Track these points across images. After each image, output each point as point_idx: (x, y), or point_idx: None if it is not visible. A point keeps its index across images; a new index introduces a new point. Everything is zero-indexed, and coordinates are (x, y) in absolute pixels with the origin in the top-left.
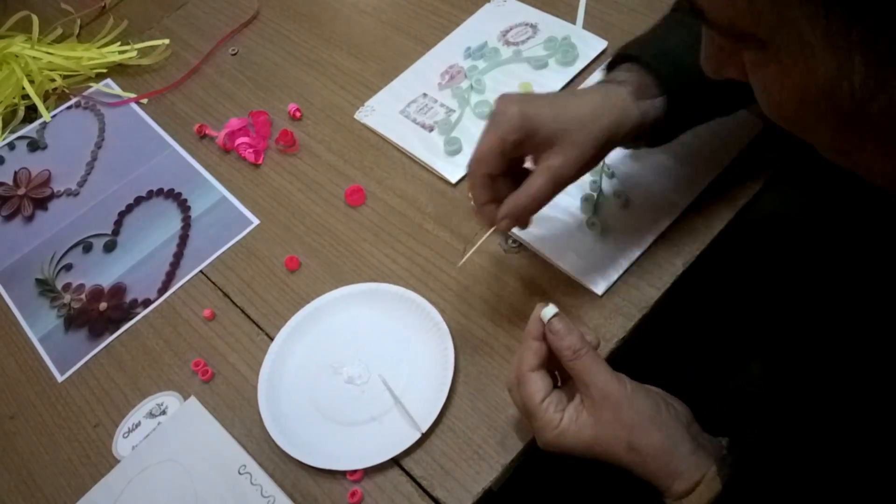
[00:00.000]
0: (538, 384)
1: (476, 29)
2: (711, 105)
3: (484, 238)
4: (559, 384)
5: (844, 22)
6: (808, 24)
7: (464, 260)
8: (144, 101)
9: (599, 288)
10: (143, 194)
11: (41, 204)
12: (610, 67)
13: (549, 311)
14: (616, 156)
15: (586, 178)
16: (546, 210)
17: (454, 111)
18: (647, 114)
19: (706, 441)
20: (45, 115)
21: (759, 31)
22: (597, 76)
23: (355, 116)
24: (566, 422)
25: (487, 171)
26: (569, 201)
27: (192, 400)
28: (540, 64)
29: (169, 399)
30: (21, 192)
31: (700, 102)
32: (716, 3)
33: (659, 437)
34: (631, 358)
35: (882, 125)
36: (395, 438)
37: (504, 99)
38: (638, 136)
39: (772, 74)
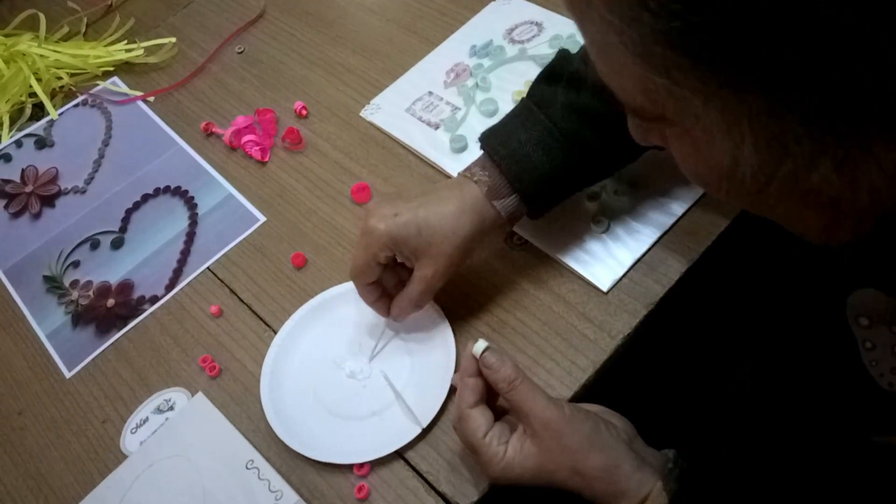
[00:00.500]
0: (478, 420)
1: (481, 27)
2: (570, 188)
3: (388, 339)
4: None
5: (734, 102)
6: (703, 109)
7: (374, 355)
8: (151, 99)
9: (604, 284)
10: (150, 192)
11: (49, 201)
12: (482, 144)
13: (480, 345)
14: None
15: None
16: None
17: (460, 109)
18: (506, 209)
19: (650, 456)
20: (53, 113)
21: (665, 113)
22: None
23: (361, 114)
24: (511, 453)
25: (367, 281)
26: (573, 197)
27: (200, 396)
28: (545, 62)
29: (176, 395)
30: (28, 189)
31: (556, 191)
32: (622, 92)
33: (601, 458)
34: (628, 359)
35: (787, 190)
36: (398, 433)
37: (373, 215)
38: (501, 233)
39: (686, 147)
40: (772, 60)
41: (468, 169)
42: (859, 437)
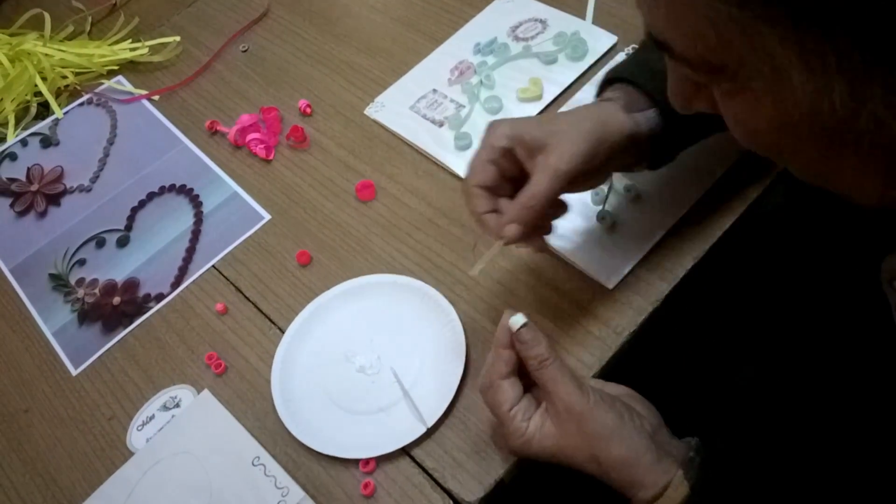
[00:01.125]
0: (507, 393)
1: (485, 25)
2: (706, 120)
3: (494, 251)
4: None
5: (818, 40)
6: (780, 48)
7: (476, 270)
8: (156, 97)
9: (610, 282)
10: (156, 190)
11: (54, 200)
12: (599, 92)
13: (518, 319)
14: None
15: None
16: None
17: (464, 106)
18: (641, 125)
19: (673, 447)
20: (58, 112)
21: (730, 61)
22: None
23: (365, 112)
24: (531, 430)
25: (480, 180)
26: (579, 195)
27: (206, 393)
28: (549, 59)
29: (182, 392)
30: (34, 188)
31: (686, 124)
32: (683, 38)
33: (621, 449)
34: (633, 355)
35: (863, 141)
36: (404, 430)
37: (492, 122)
38: (638, 155)
39: (745, 103)
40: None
41: (596, 96)
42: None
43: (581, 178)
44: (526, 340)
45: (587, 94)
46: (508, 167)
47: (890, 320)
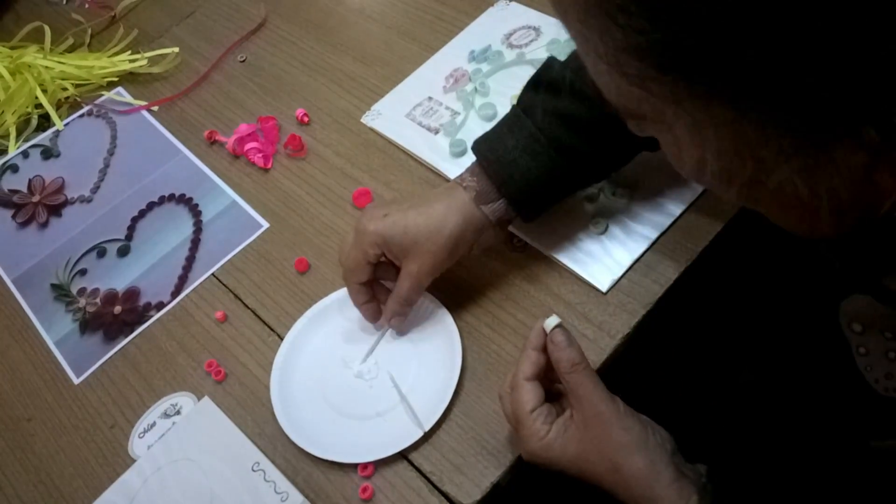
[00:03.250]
0: (530, 393)
1: (480, 32)
2: (559, 192)
3: (379, 339)
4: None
5: (699, 106)
6: (672, 113)
7: (367, 355)
8: (155, 108)
9: (604, 285)
10: (156, 200)
11: (55, 211)
12: (473, 150)
13: (553, 321)
14: None
15: None
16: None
17: (459, 114)
18: (494, 213)
19: (688, 471)
20: (58, 124)
21: (646, 114)
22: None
23: (362, 120)
24: (553, 434)
25: (358, 280)
26: (572, 199)
27: (206, 400)
28: None
29: (183, 399)
30: (35, 199)
31: (545, 195)
32: (607, 93)
33: (644, 460)
34: (629, 362)
35: (754, 196)
36: (402, 434)
37: (364, 216)
38: (494, 236)
39: (668, 143)
40: (732, 73)
41: (460, 176)
42: (857, 442)
43: (449, 264)
44: (559, 342)
45: None
46: (377, 262)
47: (851, 361)
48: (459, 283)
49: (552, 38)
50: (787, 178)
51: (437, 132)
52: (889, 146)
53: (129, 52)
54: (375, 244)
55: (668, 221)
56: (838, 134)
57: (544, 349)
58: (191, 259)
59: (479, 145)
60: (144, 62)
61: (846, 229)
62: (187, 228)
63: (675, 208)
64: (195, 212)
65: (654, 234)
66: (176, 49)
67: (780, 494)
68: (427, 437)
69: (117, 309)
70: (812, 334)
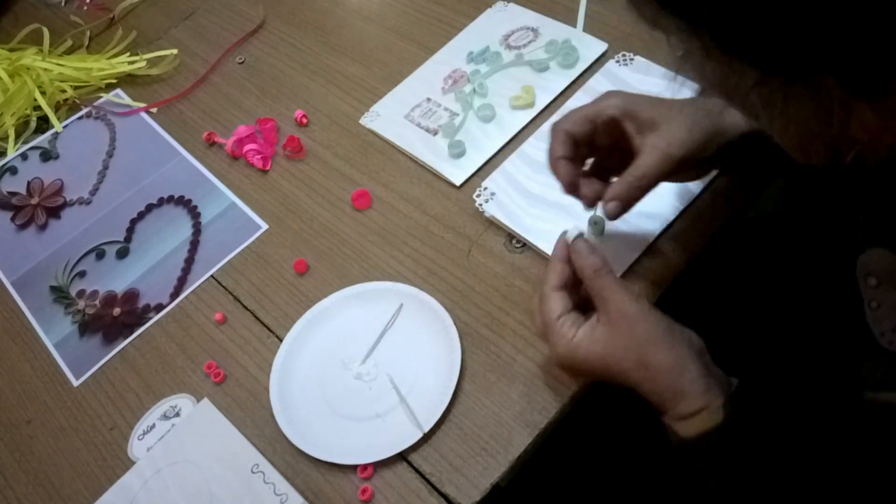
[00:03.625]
0: (557, 302)
1: (478, 33)
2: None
3: (378, 340)
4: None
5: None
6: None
7: (364, 359)
8: (154, 110)
9: None
10: (154, 201)
11: (54, 213)
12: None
13: (574, 232)
14: None
15: None
16: (548, 209)
17: (458, 115)
18: (736, 126)
19: (716, 372)
20: (57, 126)
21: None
22: (598, 78)
23: (361, 121)
24: (580, 336)
25: (571, 129)
26: (571, 200)
27: (205, 402)
28: (541, 67)
29: (182, 401)
30: (34, 201)
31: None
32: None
33: (670, 355)
34: None
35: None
36: (401, 436)
37: (608, 91)
38: (718, 156)
39: (772, 117)
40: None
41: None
42: (853, 392)
43: (683, 169)
44: (580, 250)
45: (579, 101)
46: (601, 135)
47: (861, 314)
48: (458, 285)
49: (550, 39)
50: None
51: (435, 133)
52: (848, 96)
53: (128, 53)
54: (618, 107)
55: (665, 222)
56: (801, 78)
57: (568, 260)
58: (190, 261)
59: None
60: (143, 64)
61: (824, 162)
62: (186, 230)
63: (671, 210)
64: (194, 213)
65: (651, 236)
66: (175, 51)
67: (803, 420)
68: (426, 438)
69: (116, 311)
70: (828, 286)
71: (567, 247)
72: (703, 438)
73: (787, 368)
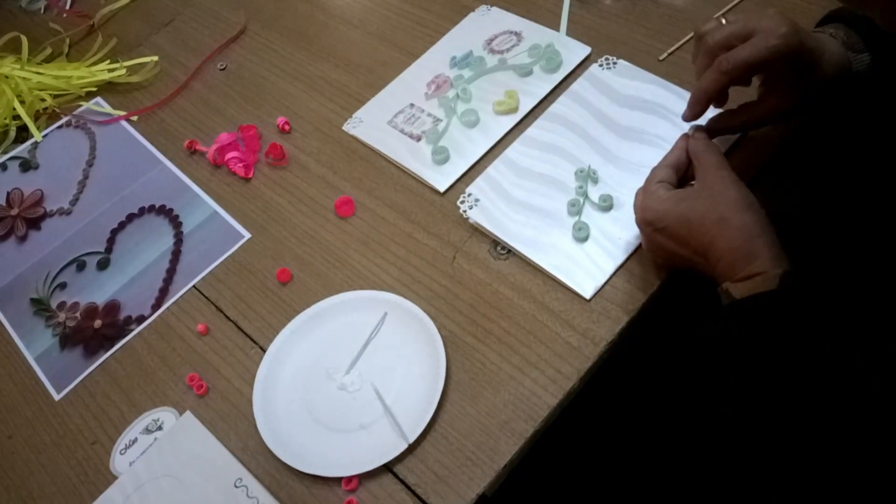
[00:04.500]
0: (663, 171)
1: (461, 38)
2: None
3: (363, 349)
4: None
5: None
6: None
7: (349, 369)
8: (134, 118)
9: (587, 292)
10: (135, 211)
11: (34, 224)
12: (818, 25)
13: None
14: (599, 160)
15: (572, 183)
16: (533, 215)
17: (441, 120)
18: (854, 64)
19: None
20: (37, 135)
21: None
22: (582, 82)
23: (343, 128)
24: (670, 194)
25: (720, 42)
26: (555, 206)
27: (188, 415)
28: (525, 71)
29: (165, 414)
30: (14, 212)
31: None
32: None
33: (752, 218)
34: (612, 365)
35: None
36: (387, 446)
37: (768, 15)
38: (828, 93)
39: None
40: None
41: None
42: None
43: (776, 78)
44: (698, 137)
45: (563, 105)
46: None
47: None
48: (442, 292)
49: (533, 44)
50: None
51: (419, 139)
52: None
53: (108, 61)
54: (791, 45)
55: None
56: None
57: (685, 150)
58: (171, 271)
59: (834, 11)
60: (123, 71)
61: None
62: (168, 240)
63: None
64: (175, 223)
65: (637, 240)
66: (155, 58)
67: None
68: (412, 449)
69: (97, 323)
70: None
71: (687, 139)
72: (750, 301)
73: (843, 271)
